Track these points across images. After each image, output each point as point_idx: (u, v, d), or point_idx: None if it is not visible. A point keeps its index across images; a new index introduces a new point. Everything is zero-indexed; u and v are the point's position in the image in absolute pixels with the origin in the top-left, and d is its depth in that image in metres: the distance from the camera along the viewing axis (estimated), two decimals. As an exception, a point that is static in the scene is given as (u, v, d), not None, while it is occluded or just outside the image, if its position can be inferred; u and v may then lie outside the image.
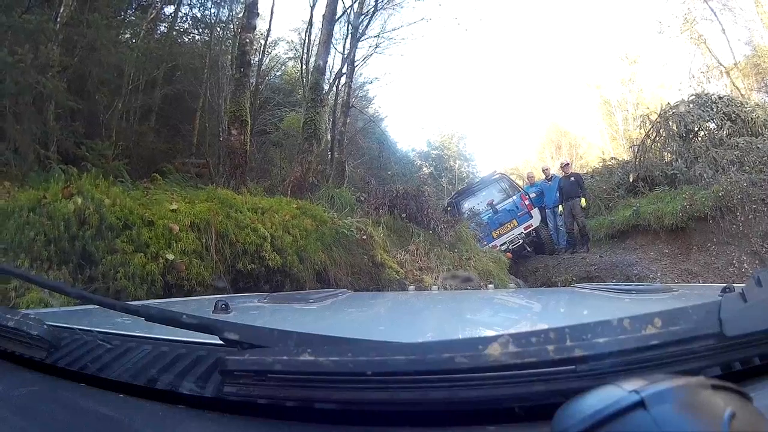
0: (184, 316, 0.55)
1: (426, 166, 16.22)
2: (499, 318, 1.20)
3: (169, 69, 5.54)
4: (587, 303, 1.26)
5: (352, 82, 6.65)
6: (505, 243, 7.22)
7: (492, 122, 37.26)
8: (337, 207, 3.89)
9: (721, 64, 12.34)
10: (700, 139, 7.76)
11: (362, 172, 7.42)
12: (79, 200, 1.97)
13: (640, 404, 0.32)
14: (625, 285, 1.36)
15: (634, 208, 7.32)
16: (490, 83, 42.71)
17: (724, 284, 1.04)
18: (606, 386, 0.35)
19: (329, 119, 5.99)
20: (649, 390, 0.33)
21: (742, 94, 10.73)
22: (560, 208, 7.87)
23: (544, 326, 0.42)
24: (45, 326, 0.62)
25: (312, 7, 8.11)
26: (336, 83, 7.35)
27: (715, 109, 7.81)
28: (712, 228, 6.07)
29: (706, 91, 9.00)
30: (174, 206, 2.24)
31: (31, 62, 3.60)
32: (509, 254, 6.64)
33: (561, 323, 0.43)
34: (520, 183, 9.81)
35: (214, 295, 1.27)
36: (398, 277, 2.99)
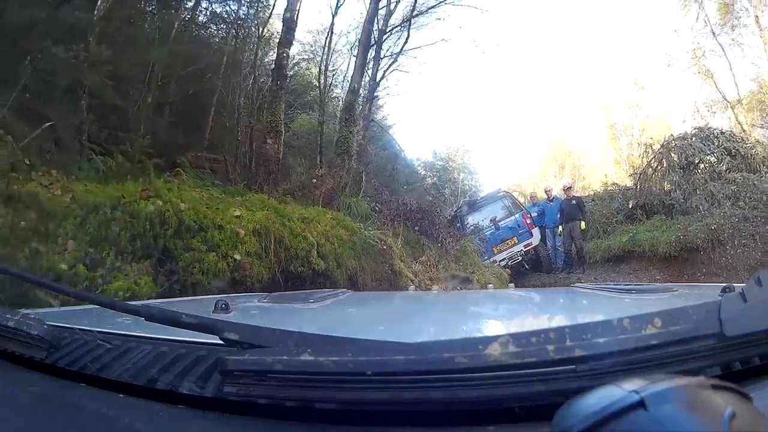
0: (184, 316, 0.55)
1: (430, 176, 16.29)
2: (499, 318, 1.19)
3: (187, 63, 5.48)
4: (587, 303, 1.26)
5: (373, 97, 6.66)
6: (504, 259, 7.41)
7: (498, 138, 37.52)
8: (354, 215, 4.07)
9: (725, 99, 12.49)
10: (699, 171, 7.96)
11: (375, 182, 7.36)
12: (159, 203, 2.24)
13: (640, 404, 0.32)
14: (625, 285, 1.36)
15: (631, 234, 7.52)
16: (498, 99, 43.52)
17: (724, 284, 1.04)
18: (606, 386, 0.35)
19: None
20: (649, 390, 0.33)
21: (743, 130, 10.92)
22: (560, 228, 8.03)
23: (544, 326, 0.42)
24: (45, 326, 0.62)
25: (334, 15, 8.06)
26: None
27: (716, 143, 8.01)
28: (703, 259, 6.34)
29: (708, 125, 9.20)
30: (238, 213, 2.53)
31: (84, 58, 3.69)
32: (508, 270, 6.82)
33: (561, 323, 0.43)
34: (522, 200, 10.00)
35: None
36: (413, 285, 3.21)
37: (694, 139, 8.22)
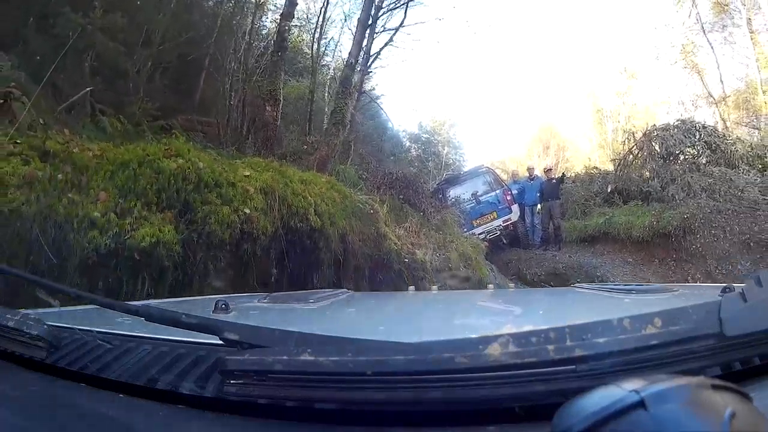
0: (184, 316, 0.55)
1: (415, 148, 16.38)
2: (499, 318, 1.20)
3: (182, 28, 5.50)
4: (587, 303, 1.26)
5: (366, 70, 6.75)
6: (483, 232, 7.58)
7: (485, 115, 37.89)
8: (343, 181, 4.26)
9: (711, 95, 12.69)
10: (679, 162, 8.19)
11: (363, 151, 7.59)
12: (181, 161, 2.51)
13: (641, 404, 0.32)
14: (625, 285, 1.36)
15: (607, 217, 7.82)
16: (488, 77, 43.29)
17: (724, 284, 1.04)
18: (606, 386, 0.35)
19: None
20: (649, 390, 0.33)
21: (726, 126, 11.08)
22: (539, 207, 8.36)
23: (544, 326, 0.42)
24: (45, 326, 0.62)
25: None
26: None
27: (697, 137, 8.26)
28: (674, 245, 6.60)
29: (691, 119, 9.40)
30: (247, 172, 2.84)
31: (100, 25, 3.79)
32: (486, 243, 6.96)
33: (561, 323, 0.43)
34: (504, 177, 10.19)
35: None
36: (396, 248, 3.55)
37: (676, 130, 8.41)
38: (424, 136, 18.08)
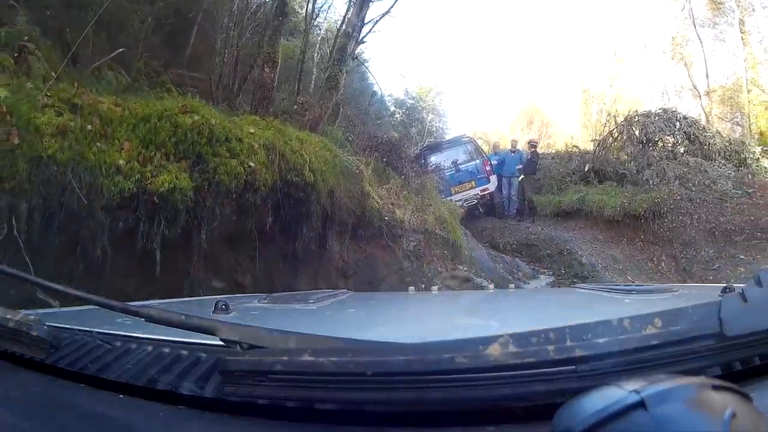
0: (184, 317, 0.55)
1: (400, 113, 16.43)
2: (498, 318, 1.19)
3: None
4: (587, 303, 1.26)
5: (361, 39, 6.81)
6: (461, 200, 7.73)
7: (472, 86, 37.76)
8: (331, 142, 4.51)
9: (696, 88, 12.95)
10: (657, 149, 8.40)
11: (350, 114, 7.72)
12: (196, 117, 2.74)
13: (641, 404, 0.32)
14: (625, 285, 1.36)
15: (582, 194, 8.14)
16: (478, 49, 43.11)
17: (724, 284, 1.04)
18: (606, 386, 0.35)
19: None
20: (649, 390, 0.33)
21: (708, 120, 11.32)
22: (518, 179, 8.73)
23: (544, 326, 0.42)
24: (45, 327, 0.62)
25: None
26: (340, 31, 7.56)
27: (677, 126, 8.46)
28: (643, 227, 6.93)
29: (674, 108, 9.61)
30: (252, 130, 3.07)
31: None
32: (463, 210, 7.18)
33: (561, 323, 0.43)
34: (486, 149, 10.42)
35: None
36: (377, 207, 3.86)
37: (657, 118, 8.62)
38: (410, 101, 17.96)
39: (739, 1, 11.81)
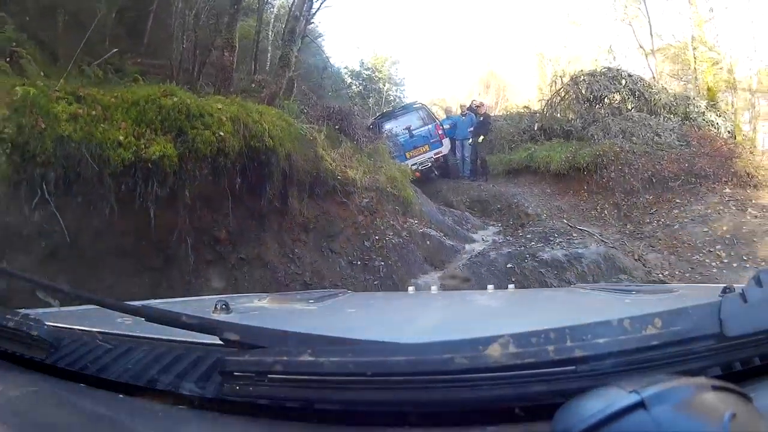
0: (184, 317, 0.55)
1: (356, 84, 16.46)
2: (498, 318, 1.19)
3: None
4: (587, 303, 1.26)
5: (309, 15, 7.15)
6: (416, 164, 8.20)
7: (428, 53, 37.56)
8: (287, 114, 4.96)
9: (641, 47, 13.25)
10: (603, 106, 8.79)
11: (305, 88, 8.09)
12: (175, 99, 3.24)
13: (641, 405, 0.32)
14: (625, 285, 1.36)
15: (530, 152, 8.62)
16: (434, 16, 42.14)
17: (724, 284, 1.04)
18: (606, 387, 0.35)
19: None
20: (649, 390, 0.33)
21: (654, 77, 11.60)
22: (470, 141, 9.03)
23: (544, 326, 0.42)
24: (45, 327, 0.62)
25: None
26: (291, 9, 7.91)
27: (623, 84, 8.85)
28: (587, 179, 7.41)
29: (618, 67, 10.06)
30: (219, 106, 3.52)
31: None
32: (418, 173, 7.61)
33: (561, 323, 0.43)
34: (442, 114, 10.92)
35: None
36: (331, 168, 4.40)
37: (602, 77, 9.08)
38: (366, 72, 17.91)
39: None
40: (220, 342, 0.53)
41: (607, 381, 0.37)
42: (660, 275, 4.63)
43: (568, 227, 5.85)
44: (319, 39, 10.82)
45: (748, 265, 4.71)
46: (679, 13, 12.24)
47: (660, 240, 5.63)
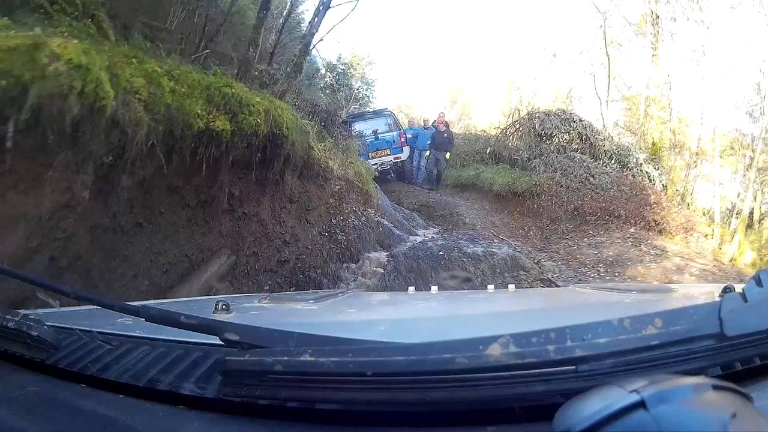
0: (185, 317, 0.55)
1: (330, 77, 16.64)
2: (499, 318, 1.19)
3: None
4: (587, 303, 1.26)
5: (317, 33, 7.41)
6: (377, 164, 8.99)
7: (403, 60, 38.82)
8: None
9: (598, 96, 14.79)
10: (552, 143, 9.83)
11: (303, 91, 8.53)
12: (233, 90, 3.81)
13: (641, 404, 0.32)
14: (626, 285, 1.36)
15: (478, 172, 9.73)
16: (415, 26, 43.41)
17: (725, 284, 1.04)
18: (607, 386, 0.35)
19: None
20: (649, 390, 0.33)
21: (604, 125, 13.16)
22: (428, 153, 9.93)
23: (544, 326, 0.42)
24: (45, 327, 0.62)
25: None
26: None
27: (573, 126, 9.97)
28: (522, 203, 8.62)
29: (572, 110, 11.43)
30: (258, 99, 4.07)
31: None
32: (377, 173, 8.37)
33: (561, 323, 0.43)
34: (406, 121, 12.13)
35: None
36: (318, 156, 5.15)
37: (555, 117, 10.09)
38: (341, 67, 18.21)
39: (657, 28, 13.32)
40: (221, 342, 0.53)
41: (607, 381, 0.37)
42: (550, 276, 5.67)
43: (493, 236, 7.18)
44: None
45: (616, 279, 6.11)
46: (640, 72, 13.64)
47: (560, 255, 7.03)
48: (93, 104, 2.40)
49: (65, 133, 2.29)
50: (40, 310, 0.93)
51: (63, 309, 1.16)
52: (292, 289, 4.39)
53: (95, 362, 0.59)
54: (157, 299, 2.65)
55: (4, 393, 0.58)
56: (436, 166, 9.86)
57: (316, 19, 7.05)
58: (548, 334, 0.41)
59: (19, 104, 2.08)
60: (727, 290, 0.93)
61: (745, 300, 0.44)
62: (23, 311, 0.67)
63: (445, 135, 9.84)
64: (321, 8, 6.82)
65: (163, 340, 0.62)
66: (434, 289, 1.80)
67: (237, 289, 4.07)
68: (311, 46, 7.34)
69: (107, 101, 2.45)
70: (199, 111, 3.48)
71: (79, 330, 0.65)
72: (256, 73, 6.59)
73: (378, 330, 0.95)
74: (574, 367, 0.41)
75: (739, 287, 0.69)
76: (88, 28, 3.33)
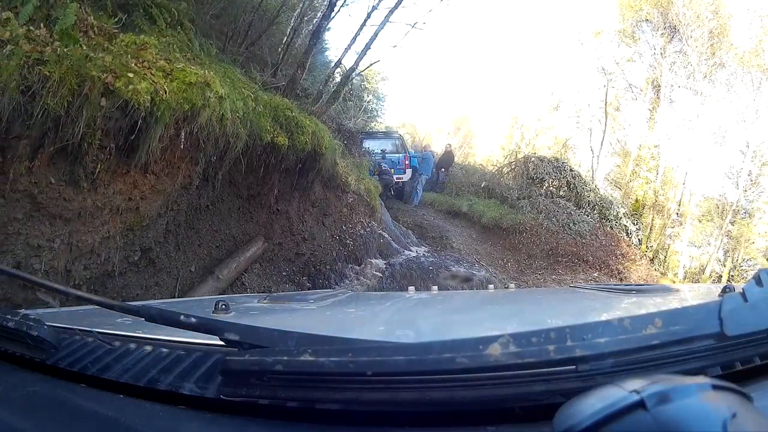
0: (184, 317, 0.55)
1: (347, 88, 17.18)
2: (499, 318, 1.19)
3: None
4: (587, 303, 1.26)
5: (356, 68, 8.28)
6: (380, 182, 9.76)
7: (416, 80, 41.54)
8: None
9: (592, 150, 16.34)
10: (542, 187, 10.81)
11: (332, 113, 9.11)
12: (293, 113, 4.63)
13: (641, 404, 0.32)
14: (626, 285, 1.36)
15: (471, 203, 10.55)
16: (433, 50, 44.52)
17: (725, 284, 1.04)
18: (607, 386, 0.35)
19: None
20: (649, 390, 0.33)
21: (593, 176, 14.43)
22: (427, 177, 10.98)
23: (544, 326, 0.42)
24: (45, 327, 0.62)
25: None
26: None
27: (563, 174, 11.04)
28: (505, 237, 9.70)
29: (564, 159, 12.67)
30: (308, 122, 4.87)
31: None
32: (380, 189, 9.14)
33: (561, 323, 0.43)
34: (410, 141, 13.31)
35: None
36: (341, 172, 5.98)
37: (548, 164, 11.22)
38: (356, 78, 18.62)
39: (655, 100, 14.80)
40: (221, 342, 0.53)
41: (607, 381, 0.37)
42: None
43: (475, 261, 8.06)
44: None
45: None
46: (634, 133, 15.23)
47: (528, 286, 7.89)
48: (220, 121, 3.25)
49: (195, 138, 3.12)
50: (40, 310, 0.93)
51: (63, 309, 1.16)
52: (304, 278, 5.06)
53: (95, 362, 0.59)
54: (213, 267, 4.00)
55: (4, 393, 0.58)
56: (438, 176, 11.43)
57: (357, 57, 7.89)
58: (548, 334, 0.41)
59: (190, 121, 3.00)
60: (727, 290, 0.93)
61: (745, 300, 0.44)
62: (23, 311, 0.67)
63: (444, 155, 11.85)
64: (364, 50, 7.62)
65: (164, 340, 0.62)
66: (434, 288, 1.80)
67: (264, 271, 4.75)
68: (350, 78, 8.34)
69: (227, 120, 3.29)
70: (268, 127, 4.16)
71: (80, 330, 0.65)
72: (298, 92, 7.26)
73: (378, 330, 0.95)
74: (574, 366, 0.41)
75: (739, 287, 0.69)
76: (178, 35, 4.03)
